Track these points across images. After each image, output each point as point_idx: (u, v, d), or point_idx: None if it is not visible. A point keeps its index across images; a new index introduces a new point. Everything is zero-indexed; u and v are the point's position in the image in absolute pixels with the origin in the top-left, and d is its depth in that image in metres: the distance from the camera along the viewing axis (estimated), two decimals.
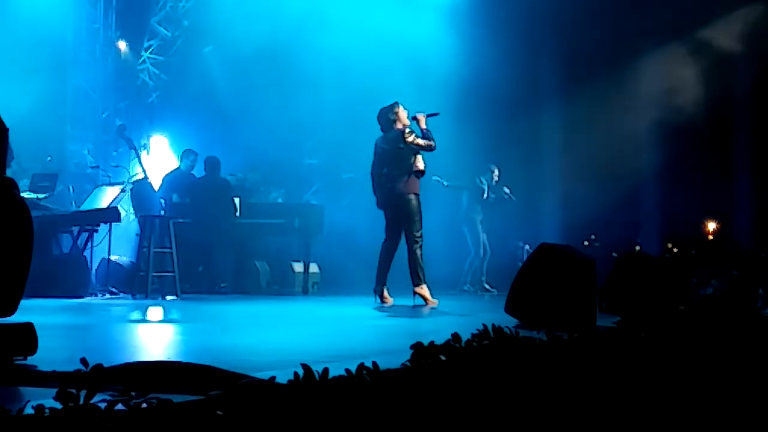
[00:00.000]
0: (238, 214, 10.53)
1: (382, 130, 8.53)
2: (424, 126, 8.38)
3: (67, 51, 12.13)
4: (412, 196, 8.34)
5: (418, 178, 8.41)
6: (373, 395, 2.22)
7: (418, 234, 8.31)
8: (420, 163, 8.36)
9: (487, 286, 12.20)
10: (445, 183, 12.15)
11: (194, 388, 2.39)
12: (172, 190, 10.52)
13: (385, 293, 8.36)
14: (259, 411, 1.98)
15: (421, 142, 8.30)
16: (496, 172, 12.32)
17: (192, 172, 10.89)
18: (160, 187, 10.46)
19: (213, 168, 10.73)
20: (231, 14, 12.80)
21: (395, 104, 8.50)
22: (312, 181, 13.69)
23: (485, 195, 12.22)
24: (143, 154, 10.74)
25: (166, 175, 10.95)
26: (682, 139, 13.14)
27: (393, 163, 8.40)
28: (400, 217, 8.36)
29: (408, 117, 8.45)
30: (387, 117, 8.45)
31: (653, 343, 3.60)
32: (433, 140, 8.31)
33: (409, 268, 8.32)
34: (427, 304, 8.19)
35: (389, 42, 12.28)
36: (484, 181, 12.26)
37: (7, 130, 3.76)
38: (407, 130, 8.34)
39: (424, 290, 8.27)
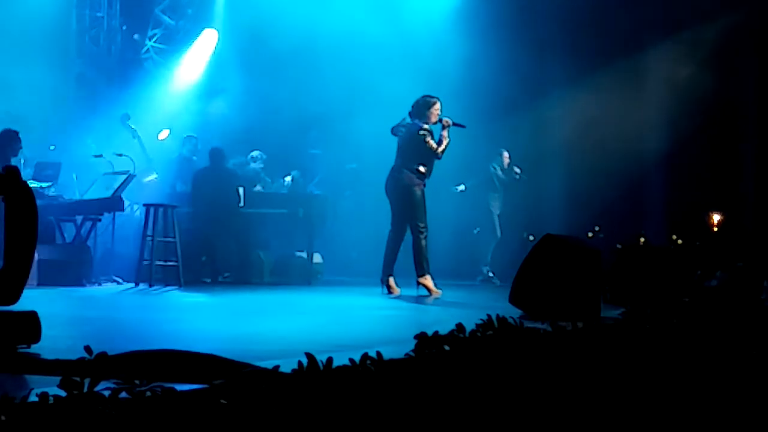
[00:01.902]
0: (241, 204, 10.52)
1: (410, 114, 8.48)
2: (445, 132, 8.35)
3: (70, 40, 12.10)
4: (416, 188, 8.34)
5: (421, 178, 8.38)
6: (377, 385, 2.21)
7: (422, 224, 8.31)
8: (421, 167, 8.34)
9: (491, 275, 12.17)
10: (461, 187, 12.20)
11: (198, 377, 2.39)
12: (175, 177, 10.51)
13: (392, 282, 8.35)
14: (263, 400, 1.98)
15: (431, 143, 8.28)
16: (506, 155, 12.33)
17: (193, 156, 10.87)
18: (162, 173, 10.46)
19: (217, 158, 10.72)
20: (234, 3, 12.77)
21: (436, 100, 8.45)
22: (315, 172, 13.68)
23: (496, 182, 12.23)
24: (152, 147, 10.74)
25: (169, 161, 10.94)
26: (688, 130, 13.10)
27: (403, 154, 8.40)
28: (404, 208, 8.36)
29: (438, 117, 8.41)
30: (420, 106, 8.43)
31: (658, 335, 3.59)
32: (442, 150, 8.30)
33: (414, 259, 8.32)
34: (431, 294, 8.19)
35: (395, 34, 12.24)
36: (497, 167, 12.26)
37: None
38: (425, 128, 8.31)
39: (427, 281, 8.27)
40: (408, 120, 8.46)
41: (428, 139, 8.29)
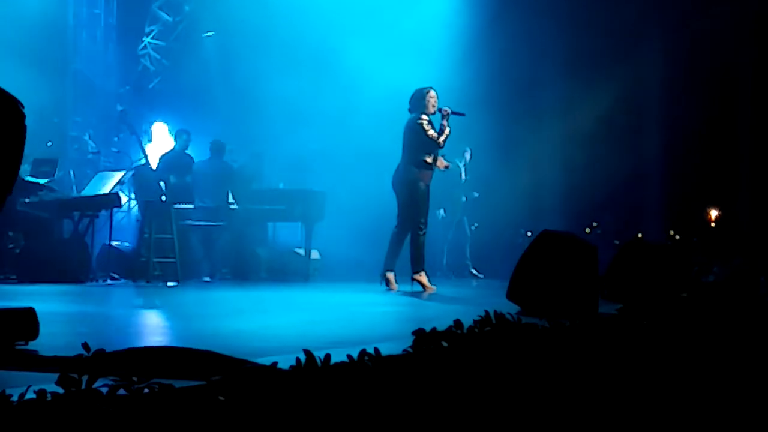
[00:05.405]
0: (231, 201, 10.55)
1: (409, 111, 8.50)
2: (445, 122, 8.35)
3: (68, 36, 12.09)
4: (421, 184, 8.33)
5: (428, 170, 8.38)
6: (374, 381, 2.21)
7: (423, 221, 8.32)
8: (428, 157, 8.33)
9: (474, 272, 12.14)
10: (441, 212, 12.15)
11: (196, 374, 2.39)
12: (169, 171, 10.51)
13: (391, 278, 8.35)
14: (260, 396, 1.98)
15: (432, 133, 8.28)
16: (469, 153, 12.31)
17: (187, 151, 10.87)
18: (156, 168, 10.45)
19: (218, 152, 10.71)
20: (232, 0, 12.75)
21: (430, 90, 8.45)
22: (313, 167, 13.66)
23: (462, 176, 12.22)
24: (148, 143, 10.72)
25: (162, 155, 10.95)
26: (685, 126, 13.13)
27: (407, 148, 8.40)
28: (408, 204, 8.36)
29: (436, 106, 8.41)
30: (416, 99, 8.43)
31: (655, 331, 3.60)
32: (443, 139, 8.30)
33: (411, 254, 8.33)
34: (425, 290, 8.19)
35: (391, 28, 12.24)
36: (460, 165, 12.21)
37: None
38: (425, 119, 8.31)
39: (422, 277, 8.28)
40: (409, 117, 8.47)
41: (426, 126, 8.29)
